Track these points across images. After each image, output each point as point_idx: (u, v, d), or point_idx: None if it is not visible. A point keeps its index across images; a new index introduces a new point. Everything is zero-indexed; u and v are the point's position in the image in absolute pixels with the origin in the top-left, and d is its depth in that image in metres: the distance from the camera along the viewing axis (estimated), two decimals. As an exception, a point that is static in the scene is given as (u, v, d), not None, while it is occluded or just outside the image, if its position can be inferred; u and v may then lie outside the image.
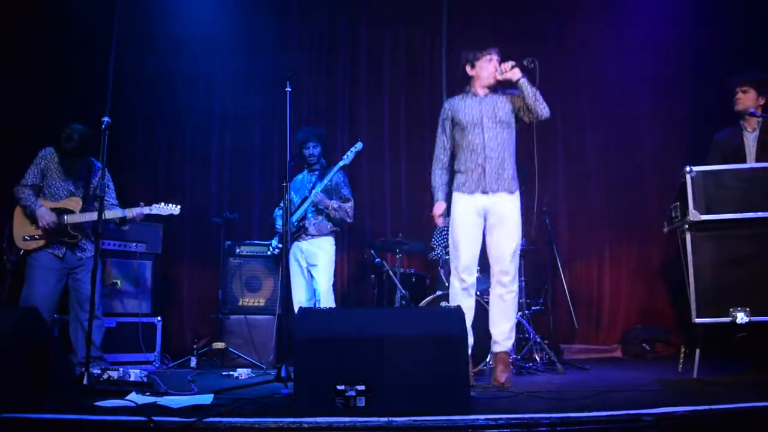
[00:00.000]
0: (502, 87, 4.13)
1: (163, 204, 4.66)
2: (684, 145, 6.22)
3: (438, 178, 4.19)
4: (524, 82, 3.95)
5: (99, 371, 3.78)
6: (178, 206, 4.74)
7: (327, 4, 6.84)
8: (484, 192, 3.98)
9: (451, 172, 4.18)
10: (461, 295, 4.01)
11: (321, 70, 6.78)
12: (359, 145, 5.13)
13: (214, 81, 6.74)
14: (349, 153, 5.08)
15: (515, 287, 4.04)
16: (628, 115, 6.48)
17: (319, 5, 6.83)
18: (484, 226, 4.04)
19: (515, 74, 3.97)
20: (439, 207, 4.17)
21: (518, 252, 4.07)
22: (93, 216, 4.32)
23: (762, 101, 4.36)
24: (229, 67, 6.71)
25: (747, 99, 4.39)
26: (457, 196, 4.08)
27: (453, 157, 4.18)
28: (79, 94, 5.82)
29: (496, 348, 4.04)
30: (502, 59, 4.06)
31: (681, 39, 6.33)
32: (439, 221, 4.23)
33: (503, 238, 3.98)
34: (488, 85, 4.10)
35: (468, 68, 4.14)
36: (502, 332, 4.02)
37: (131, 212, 4.58)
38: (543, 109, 3.96)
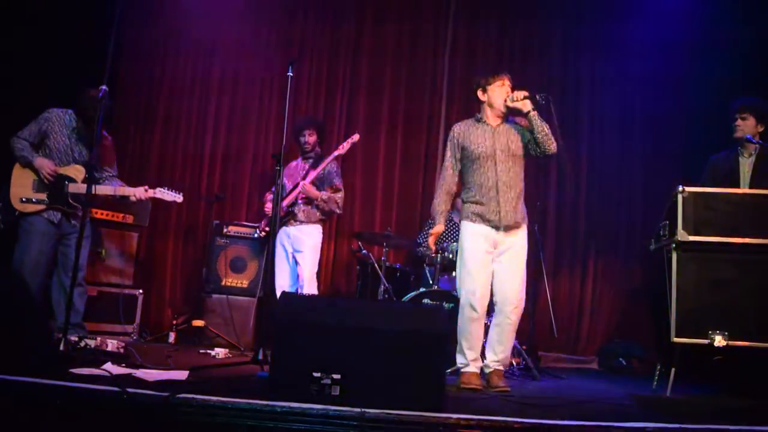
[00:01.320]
0: (512, 115, 4.05)
1: (167, 189, 4.65)
2: (674, 165, 6.24)
3: (442, 203, 4.09)
4: (535, 116, 3.86)
5: (76, 339, 3.77)
6: (180, 194, 4.72)
7: (332, 3, 6.81)
8: (496, 225, 3.90)
9: (456, 197, 4.14)
10: (474, 326, 3.90)
11: (322, 67, 6.75)
12: (356, 137, 5.14)
13: (211, 78, 6.72)
14: (344, 143, 5.09)
15: (517, 317, 3.93)
16: (622, 133, 6.50)
17: (323, 4, 6.81)
18: (493, 254, 3.95)
19: (526, 106, 3.88)
20: (437, 230, 4.08)
21: (524, 282, 3.98)
22: (95, 188, 4.25)
23: (761, 128, 4.38)
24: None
25: (746, 126, 4.40)
26: (467, 226, 3.98)
27: (460, 180, 4.10)
28: (77, 64, 5.75)
29: (488, 369, 3.95)
30: (513, 86, 4.01)
31: (675, 70, 6.34)
32: (433, 245, 4.16)
33: (510, 267, 3.91)
34: (500, 113, 4.00)
35: (480, 93, 4.05)
36: (498, 359, 3.94)
37: (134, 192, 4.53)
38: (551, 145, 3.89)
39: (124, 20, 6.04)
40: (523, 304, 3.97)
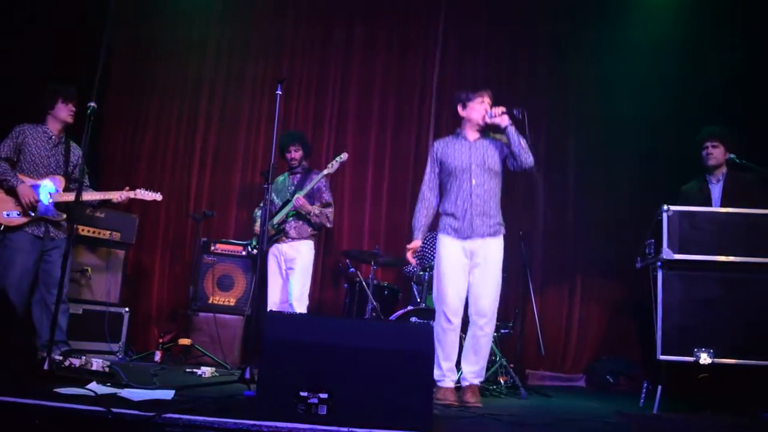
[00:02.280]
0: (491, 131, 4.13)
1: (147, 190, 4.70)
2: (660, 184, 6.30)
3: (422, 217, 4.15)
4: (511, 131, 3.95)
5: (60, 357, 3.73)
6: (159, 194, 4.78)
7: (322, 7, 6.85)
8: (470, 238, 3.96)
9: (437, 213, 4.18)
10: (449, 336, 3.96)
11: (312, 74, 6.79)
12: (344, 156, 5.16)
13: (202, 81, 6.74)
14: (333, 162, 5.13)
15: (490, 330, 3.99)
16: (609, 152, 6.56)
17: (314, 7, 6.86)
18: (469, 266, 4.01)
19: (504, 121, 3.95)
20: (415, 245, 4.14)
21: (498, 295, 4.02)
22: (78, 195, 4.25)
23: (729, 154, 4.49)
24: (219, 66, 6.75)
25: (718, 153, 4.56)
26: (443, 239, 4.05)
27: (440, 196, 4.16)
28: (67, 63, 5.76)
29: (464, 383, 4.00)
30: (494, 101, 4.08)
31: (664, 80, 6.42)
32: (411, 259, 4.20)
33: (484, 279, 3.96)
34: (478, 128, 4.09)
35: (459, 108, 4.13)
36: (473, 371, 3.99)
37: (117, 195, 4.57)
38: (527, 159, 3.95)
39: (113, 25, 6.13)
40: (495, 317, 4.01)
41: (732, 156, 4.42)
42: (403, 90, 6.74)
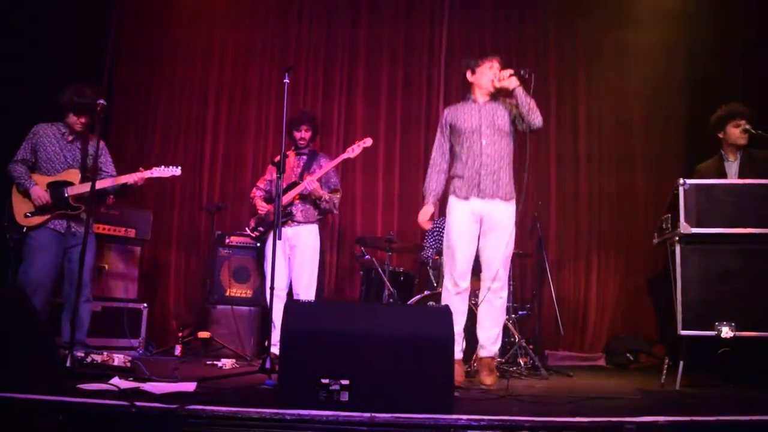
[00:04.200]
0: (502, 95, 4.13)
1: (163, 167, 4.68)
2: (676, 157, 6.28)
3: (433, 182, 4.18)
4: (520, 92, 3.96)
5: (83, 354, 3.77)
6: (179, 167, 4.74)
7: (327, 6, 6.83)
8: (480, 197, 3.97)
9: (448, 178, 4.18)
10: (454, 300, 3.98)
11: (318, 69, 6.77)
12: (368, 141, 5.03)
13: (209, 86, 6.76)
14: (355, 146, 4.98)
15: (505, 294, 4.04)
16: (622, 124, 6.53)
17: (318, 6, 6.83)
18: (479, 231, 4.04)
19: (512, 83, 3.97)
20: (427, 210, 4.18)
21: (510, 259, 4.07)
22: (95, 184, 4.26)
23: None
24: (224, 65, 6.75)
25: (740, 131, 4.44)
26: (452, 201, 4.08)
27: (451, 162, 4.18)
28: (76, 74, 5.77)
29: (482, 352, 4.03)
30: (503, 66, 4.08)
31: (681, 46, 6.36)
32: (426, 225, 4.24)
33: (496, 244, 3.98)
34: (488, 93, 4.10)
35: (468, 74, 4.14)
36: (489, 337, 4.03)
37: (132, 177, 4.56)
38: (536, 119, 3.96)
39: (120, 28, 6.15)
40: (506, 283, 4.06)
41: (748, 127, 4.35)
42: (412, 57, 6.74)
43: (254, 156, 6.64)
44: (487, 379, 3.91)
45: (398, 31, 6.76)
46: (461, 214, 4.02)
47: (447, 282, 4.05)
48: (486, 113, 4.06)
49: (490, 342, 4.02)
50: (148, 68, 6.68)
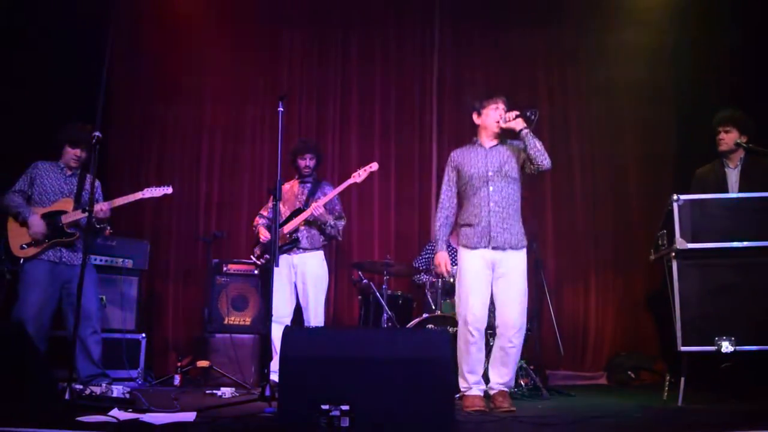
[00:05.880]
0: (507, 136, 4.09)
1: (154, 187, 4.67)
2: (670, 175, 6.31)
3: (442, 227, 4.12)
4: (527, 134, 3.90)
5: (81, 386, 3.75)
6: (170, 186, 4.73)
7: (319, 15, 6.88)
8: (491, 248, 3.89)
9: (456, 223, 4.14)
10: (472, 349, 3.88)
11: (312, 82, 6.82)
12: (374, 166, 5.00)
13: (204, 94, 6.78)
14: (361, 171, 4.95)
15: (519, 341, 3.90)
16: (612, 124, 6.59)
17: (311, 15, 6.89)
18: (491, 276, 3.94)
19: (518, 124, 3.92)
20: (441, 257, 4.09)
21: (525, 306, 3.93)
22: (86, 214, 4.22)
23: (744, 139, 4.41)
24: (219, 78, 6.77)
25: (730, 138, 4.44)
26: (463, 252, 4.00)
27: (458, 206, 4.13)
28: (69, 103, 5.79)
29: (492, 391, 3.91)
30: (508, 107, 4.05)
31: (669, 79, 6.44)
32: (445, 272, 4.13)
33: (509, 291, 3.89)
34: (494, 135, 4.06)
35: (475, 117, 4.12)
36: (502, 382, 3.91)
37: (124, 199, 4.56)
38: (544, 161, 3.89)
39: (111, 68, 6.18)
40: (524, 328, 3.95)
41: (738, 141, 4.38)
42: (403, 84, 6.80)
43: (251, 170, 6.68)
44: (505, 403, 3.80)
45: (389, 73, 6.83)
46: (472, 261, 3.93)
47: (463, 332, 3.90)
48: (493, 158, 4.00)
49: (502, 381, 3.91)
50: (140, 106, 6.70)
